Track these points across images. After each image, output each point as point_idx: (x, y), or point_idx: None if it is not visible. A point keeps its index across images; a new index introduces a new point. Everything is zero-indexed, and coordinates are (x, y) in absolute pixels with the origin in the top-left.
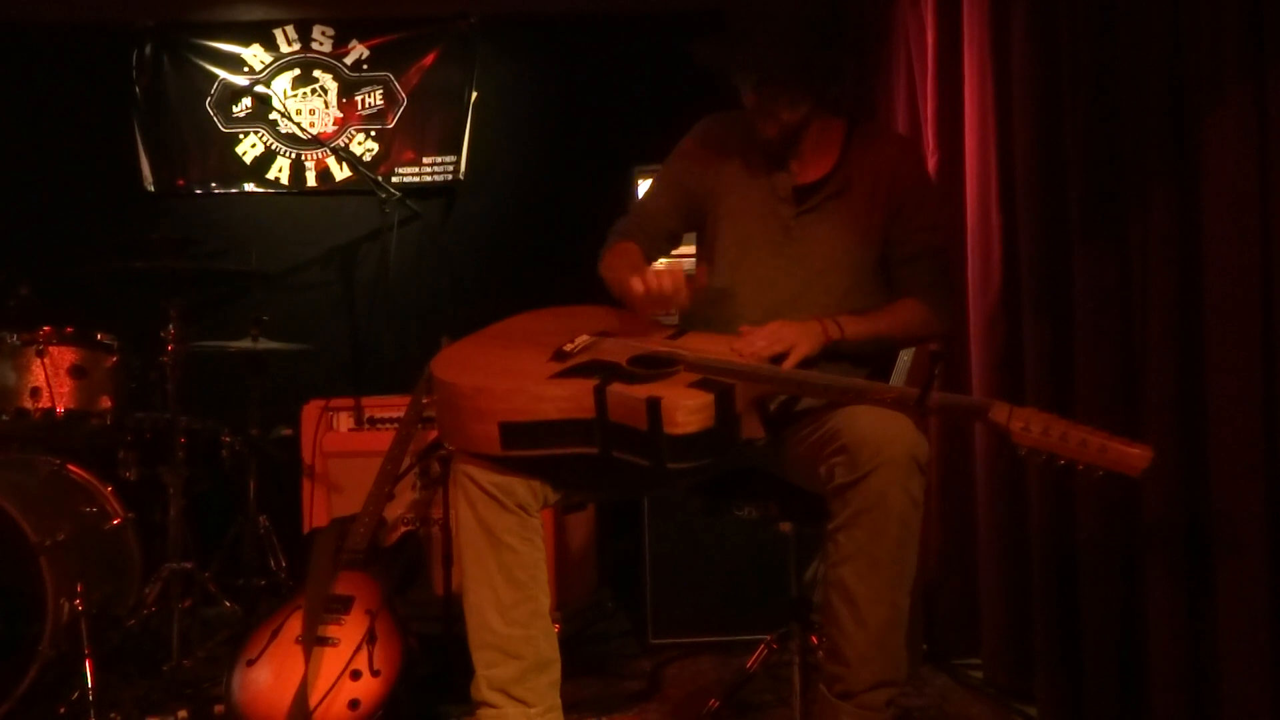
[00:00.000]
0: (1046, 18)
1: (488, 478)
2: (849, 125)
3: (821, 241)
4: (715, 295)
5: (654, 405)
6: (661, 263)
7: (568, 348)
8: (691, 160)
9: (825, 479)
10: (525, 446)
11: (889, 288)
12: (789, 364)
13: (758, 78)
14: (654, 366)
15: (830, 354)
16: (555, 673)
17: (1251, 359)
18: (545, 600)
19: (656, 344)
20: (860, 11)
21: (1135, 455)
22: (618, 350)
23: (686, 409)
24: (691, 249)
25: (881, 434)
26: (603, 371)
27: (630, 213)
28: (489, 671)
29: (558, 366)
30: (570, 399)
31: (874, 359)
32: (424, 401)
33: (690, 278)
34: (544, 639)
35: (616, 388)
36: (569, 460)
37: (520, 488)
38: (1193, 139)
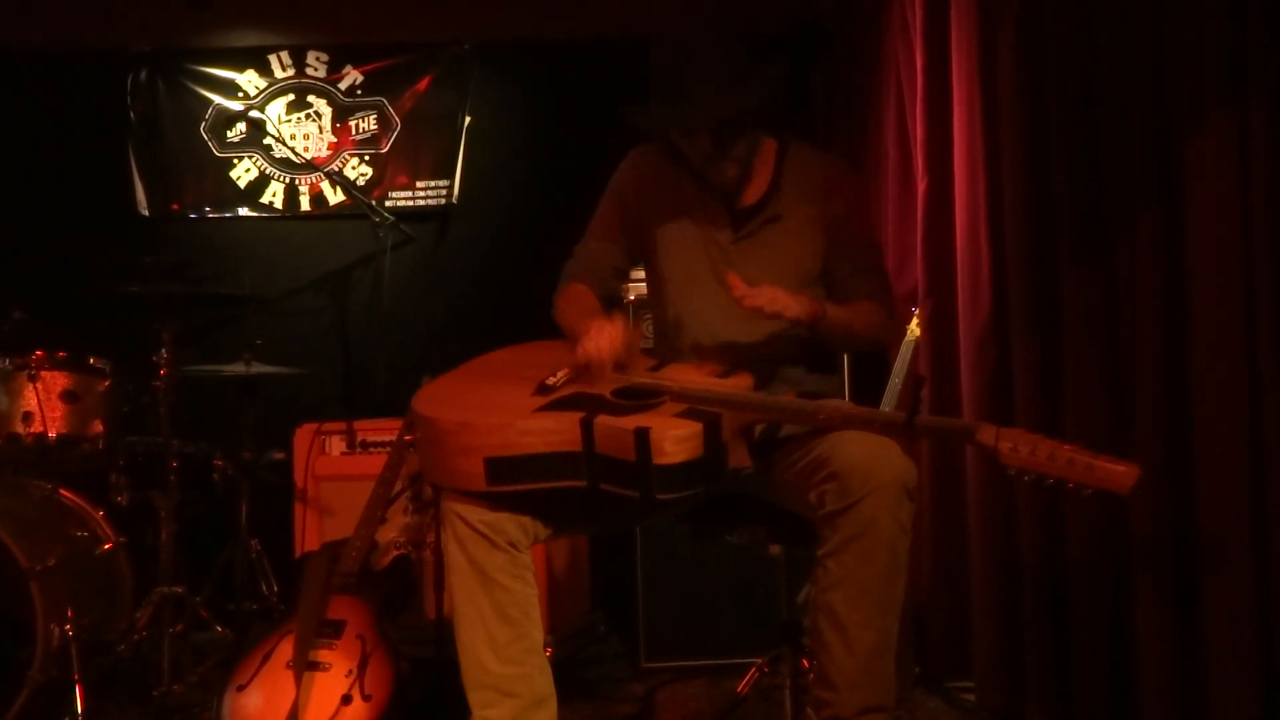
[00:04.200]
0: (1033, 44)
1: (477, 516)
2: (780, 145)
3: (763, 265)
4: (667, 326)
5: (642, 435)
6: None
7: (550, 381)
8: (626, 197)
9: (815, 505)
10: (511, 481)
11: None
12: (783, 312)
13: (714, 130)
14: (638, 398)
15: (809, 356)
16: (551, 708)
17: (1238, 378)
18: (539, 635)
19: (639, 376)
20: (849, 37)
21: (1122, 473)
22: (601, 382)
23: (675, 438)
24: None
25: (871, 461)
26: (588, 404)
27: (575, 255)
28: (485, 712)
29: (541, 400)
30: (556, 432)
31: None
32: (407, 439)
33: (627, 327)
34: (539, 675)
35: (603, 419)
36: (557, 496)
37: (510, 525)
38: (1178, 162)
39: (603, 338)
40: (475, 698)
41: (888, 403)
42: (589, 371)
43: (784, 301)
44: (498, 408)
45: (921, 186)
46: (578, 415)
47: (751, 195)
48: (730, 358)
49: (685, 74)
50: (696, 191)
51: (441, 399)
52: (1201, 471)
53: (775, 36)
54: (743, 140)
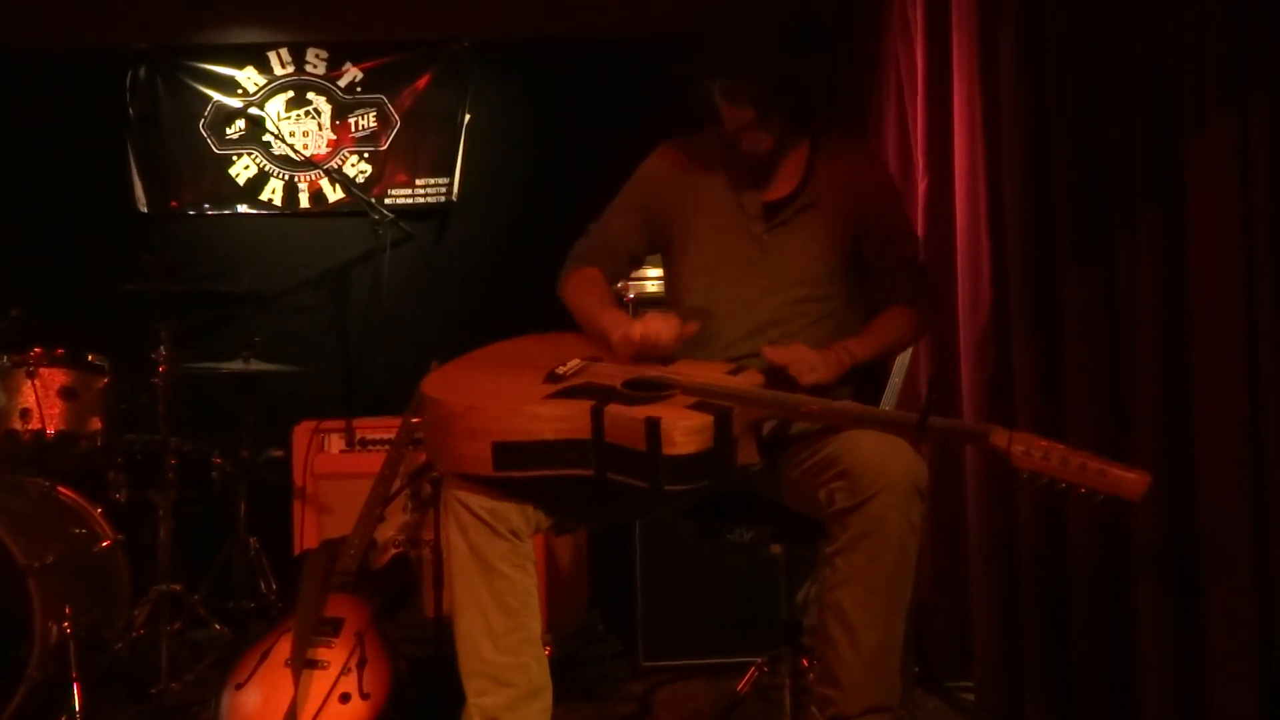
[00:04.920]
0: (1033, 44)
1: (480, 503)
2: (812, 139)
3: (795, 254)
4: (692, 315)
5: (653, 425)
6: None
7: (560, 370)
8: (654, 183)
9: (825, 503)
10: (518, 468)
11: (870, 294)
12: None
13: (757, 88)
14: (649, 390)
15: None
16: (547, 699)
17: (1238, 380)
18: (537, 626)
19: (650, 368)
20: (850, 36)
21: (1133, 480)
22: (611, 373)
23: (685, 429)
24: (655, 270)
25: (882, 460)
26: (598, 393)
27: (590, 236)
28: (480, 700)
29: (552, 388)
30: (566, 419)
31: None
32: (413, 422)
33: (683, 325)
34: (536, 666)
35: (614, 408)
36: (561, 486)
37: (513, 513)
38: (1178, 163)
39: (658, 321)
40: (471, 686)
41: (888, 402)
42: (646, 353)
43: (819, 370)
44: (508, 394)
45: (922, 186)
46: (588, 403)
47: (785, 187)
48: (751, 348)
49: (743, 36)
50: (728, 184)
51: (450, 383)
52: (1201, 472)
53: None
54: (782, 115)
